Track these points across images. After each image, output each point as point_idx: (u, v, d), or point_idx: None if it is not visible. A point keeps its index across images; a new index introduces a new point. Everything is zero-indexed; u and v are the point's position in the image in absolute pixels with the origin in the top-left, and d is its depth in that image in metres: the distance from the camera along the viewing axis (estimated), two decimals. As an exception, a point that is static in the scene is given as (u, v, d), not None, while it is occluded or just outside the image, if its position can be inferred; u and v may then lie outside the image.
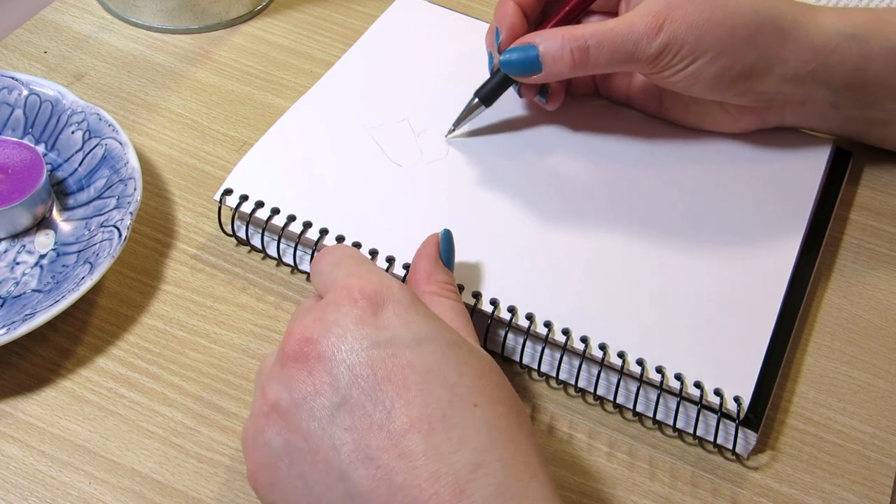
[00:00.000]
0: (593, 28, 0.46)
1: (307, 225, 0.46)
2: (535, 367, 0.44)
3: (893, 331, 0.48)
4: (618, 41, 0.45)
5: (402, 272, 0.44)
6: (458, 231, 0.43)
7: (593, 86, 0.54)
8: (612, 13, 0.51)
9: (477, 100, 0.50)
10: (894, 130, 0.52)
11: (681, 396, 0.41)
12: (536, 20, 0.51)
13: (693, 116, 0.52)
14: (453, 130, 0.51)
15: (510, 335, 0.44)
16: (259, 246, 0.48)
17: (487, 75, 0.51)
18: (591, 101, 0.54)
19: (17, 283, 0.45)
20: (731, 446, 0.41)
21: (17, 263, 0.46)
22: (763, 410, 0.42)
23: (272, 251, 0.48)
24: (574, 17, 0.50)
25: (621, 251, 0.46)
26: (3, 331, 0.41)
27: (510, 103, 0.53)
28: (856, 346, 0.47)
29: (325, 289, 0.36)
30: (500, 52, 0.48)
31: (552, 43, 0.46)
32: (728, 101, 0.50)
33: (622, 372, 0.42)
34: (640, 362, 0.42)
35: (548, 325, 0.43)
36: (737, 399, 0.41)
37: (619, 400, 0.43)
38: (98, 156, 0.49)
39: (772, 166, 0.51)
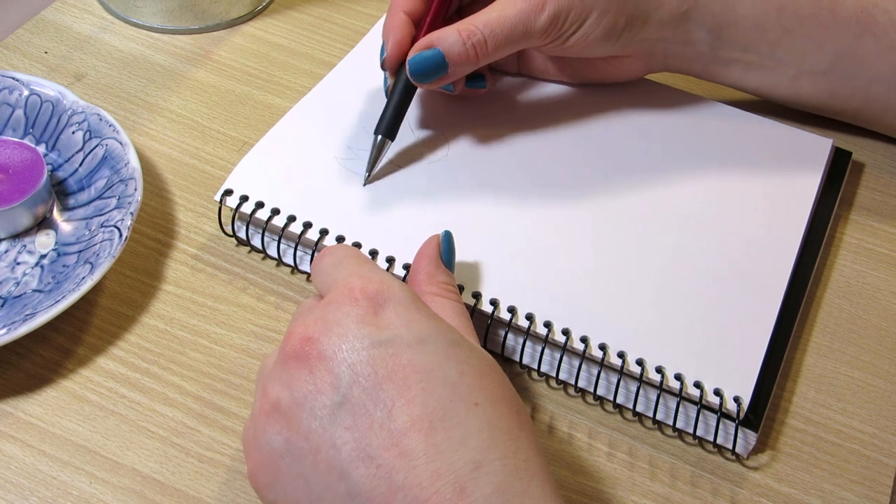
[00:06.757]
0: (483, 18, 0.46)
1: (307, 225, 0.46)
2: (535, 367, 0.44)
3: (893, 331, 0.48)
4: (508, 24, 0.46)
5: (402, 272, 0.44)
6: (458, 231, 0.43)
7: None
8: None
9: (381, 137, 0.48)
10: (769, 75, 0.54)
11: (681, 396, 0.41)
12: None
13: (584, 74, 0.54)
14: (368, 177, 0.48)
15: (510, 335, 0.44)
16: (259, 246, 0.48)
17: None
18: (590, 93, 0.54)
19: (18, 283, 0.45)
20: (730, 446, 0.41)
21: (18, 263, 0.46)
22: (763, 410, 0.42)
23: (272, 251, 0.48)
24: (444, 11, 0.50)
25: (622, 251, 0.46)
26: (4, 331, 0.41)
27: (509, 104, 0.53)
28: (856, 346, 0.47)
29: (327, 288, 0.36)
30: (384, 66, 0.48)
31: (451, 41, 0.46)
32: (615, 54, 0.52)
33: (622, 372, 0.42)
34: (639, 362, 0.42)
35: (548, 325, 0.43)
36: (737, 399, 0.41)
37: (619, 400, 0.43)
38: (98, 156, 0.49)
39: (772, 166, 0.51)
